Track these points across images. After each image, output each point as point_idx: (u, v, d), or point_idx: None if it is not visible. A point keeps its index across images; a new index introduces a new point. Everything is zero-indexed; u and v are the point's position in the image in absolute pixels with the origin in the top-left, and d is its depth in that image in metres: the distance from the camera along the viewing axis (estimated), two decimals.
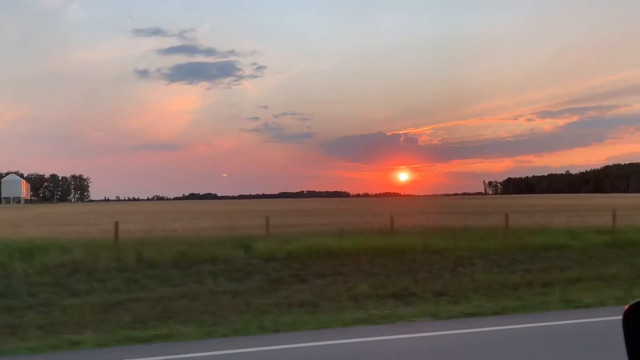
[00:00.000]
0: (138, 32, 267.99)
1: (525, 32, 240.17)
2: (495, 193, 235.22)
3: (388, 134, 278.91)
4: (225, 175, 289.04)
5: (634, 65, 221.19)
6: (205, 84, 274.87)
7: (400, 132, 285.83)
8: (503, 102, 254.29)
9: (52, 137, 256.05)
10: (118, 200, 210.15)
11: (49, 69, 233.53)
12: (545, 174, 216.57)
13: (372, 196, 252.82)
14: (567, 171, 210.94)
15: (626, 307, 1.55)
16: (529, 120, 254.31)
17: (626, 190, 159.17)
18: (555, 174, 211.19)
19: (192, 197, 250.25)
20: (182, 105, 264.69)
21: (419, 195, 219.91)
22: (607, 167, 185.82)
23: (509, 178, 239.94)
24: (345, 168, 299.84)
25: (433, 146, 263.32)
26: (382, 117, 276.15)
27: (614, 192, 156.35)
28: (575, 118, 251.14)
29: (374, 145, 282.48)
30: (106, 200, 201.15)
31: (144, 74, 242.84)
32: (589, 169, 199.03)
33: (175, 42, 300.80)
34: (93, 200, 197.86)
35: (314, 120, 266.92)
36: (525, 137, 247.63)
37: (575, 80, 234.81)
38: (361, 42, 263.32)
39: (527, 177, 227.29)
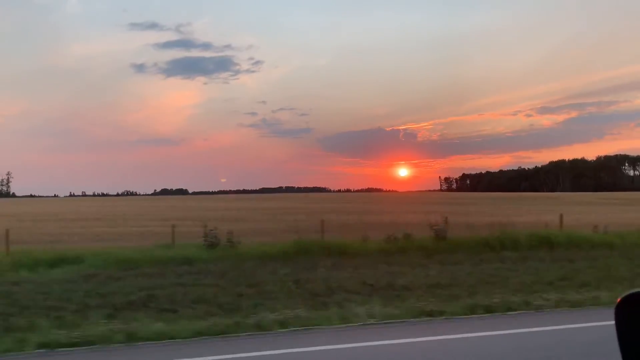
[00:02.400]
0: (134, 26, 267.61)
1: (524, 28, 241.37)
2: (449, 189, 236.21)
3: (387, 129, 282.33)
4: (224, 180, 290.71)
5: (633, 60, 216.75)
6: (202, 78, 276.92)
7: (400, 127, 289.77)
8: (502, 98, 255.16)
9: (50, 132, 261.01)
10: (38, 197, 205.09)
11: (46, 63, 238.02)
12: (497, 170, 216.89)
13: (353, 192, 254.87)
14: (520, 167, 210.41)
15: (618, 299, 1.53)
16: (528, 116, 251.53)
17: (554, 189, 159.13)
18: (510, 170, 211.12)
19: (164, 192, 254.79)
20: (179, 100, 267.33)
21: (402, 192, 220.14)
22: (551, 163, 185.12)
23: (464, 174, 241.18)
24: (343, 163, 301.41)
25: (432, 142, 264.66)
26: (381, 113, 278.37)
27: (542, 190, 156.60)
28: (574, 114, 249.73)
29: (373, 140, 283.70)
30: (29, 196, 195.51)
31: (140, 68, 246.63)
32: (539, 166, 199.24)
33: (171, 36, 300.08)
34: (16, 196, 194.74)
35: (312, 116, 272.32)
36: (524, 132, 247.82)
37: (574, 75, 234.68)
38: (360, 38, 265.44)
39: (481, 172, 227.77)
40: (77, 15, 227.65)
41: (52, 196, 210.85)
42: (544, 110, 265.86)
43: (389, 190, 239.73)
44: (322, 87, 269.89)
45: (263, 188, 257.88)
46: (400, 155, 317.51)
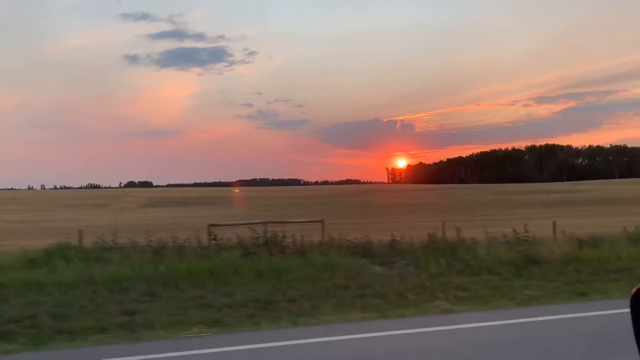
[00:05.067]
0: (125, 16, 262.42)
1: (522, 16, 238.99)
2: (394, 182, 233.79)
3: (384, 120, 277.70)
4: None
5: (631, 49, 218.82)
6: (196, 69, 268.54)
7: (397, 118, 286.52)
8: (500, 88, 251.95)
9: (47, 124, 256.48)
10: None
11: (41, 55, 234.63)
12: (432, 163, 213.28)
13: (332, 183, 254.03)
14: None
15: (633, 290, 1.52)
16: (525, 105, 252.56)
17: (464, 181, 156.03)
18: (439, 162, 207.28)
19: (131, 185, 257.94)
20: (174, 91, 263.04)
21: (378, 183, 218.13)
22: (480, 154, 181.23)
23: (408, 165, 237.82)
24: (340, 155, 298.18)
25: (430, 132, 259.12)
26: (378, 104, 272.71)
27: (451, 182, 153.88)
28: (572, 103, 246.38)
29: (371, 131, 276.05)
30: None
31: (134, 59, 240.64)
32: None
33: (163, 26, 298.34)
34: None
35: (308, 107, 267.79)
36: (522, 122, 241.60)
37: (572, 65, 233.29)
38: (355, 28, 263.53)
39: (427, 163, 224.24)
40: (70, 6, 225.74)
41: (8, 189, 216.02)
42: (542, 99, 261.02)
43: (369, 182, 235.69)
44: (318, 78, 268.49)
45: (239, 180, 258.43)
46: (398, 146, 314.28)
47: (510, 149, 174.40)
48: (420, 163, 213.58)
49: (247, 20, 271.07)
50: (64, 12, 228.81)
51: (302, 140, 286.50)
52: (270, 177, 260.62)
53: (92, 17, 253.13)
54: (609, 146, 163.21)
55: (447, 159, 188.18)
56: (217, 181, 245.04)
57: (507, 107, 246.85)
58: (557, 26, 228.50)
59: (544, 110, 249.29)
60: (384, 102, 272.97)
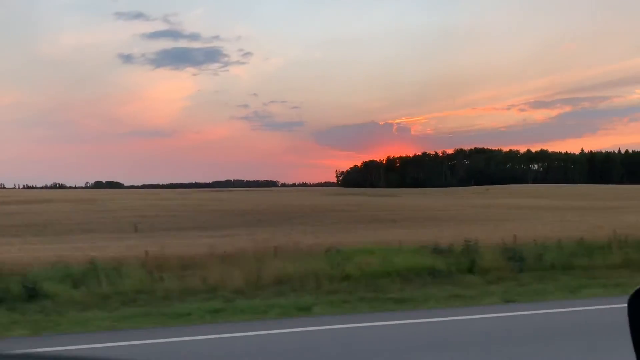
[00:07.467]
0: (120, 15, 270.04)
1: (518, 21, 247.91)
2: (338, 184, 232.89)
3: (380, 123, 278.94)
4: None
5: (626, 56, 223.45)
6: (191, 69, 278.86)
7: (394, 121, 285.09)
8: (496, 92, 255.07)
9: (42, 122, 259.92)
10: None
11: (35, 53, 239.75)
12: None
13: (310, 185, 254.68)
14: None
15: (631, 293, 1.49)
16: (521, 110, 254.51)
17: (375, 185, 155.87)
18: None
19: (98, 185, 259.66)
20: (170, 91, 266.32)
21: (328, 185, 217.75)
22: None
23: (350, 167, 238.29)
24: (336, 157, 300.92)
25: (426, 136, 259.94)
26: (374, 107, 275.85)
27: (364, 186, 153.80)
28: (567, 108, 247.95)
29: (367, 134, 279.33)
30: None
31: (128, 58, 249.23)
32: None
33: (158, 26, 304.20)
34: None
35: (304, 109, 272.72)
36: (518, 127, 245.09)
37: (567, 70, 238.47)
38: (352, 31, 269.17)
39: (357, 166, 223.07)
40: (65, 4, 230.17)
41: None
42: (538, 104, 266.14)
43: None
44: (314, 80, 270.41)
45: (216, 181, 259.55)
46: (394, 149, 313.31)
47: (435, 153, 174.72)
48: (355, 166, 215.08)
49: (243, 21, 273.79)
50: (58, 10, 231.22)
51: (297, 142, 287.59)
52: (246, 178, 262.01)
53: (86, 15, 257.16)
54: (525, 151, 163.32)
55: (363, 162, 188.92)
56: (193, 182, 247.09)
57: (503, 111, 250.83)
58: (552, 31, 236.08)
59: (540, 115, 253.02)
60: (380, 105, 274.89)
